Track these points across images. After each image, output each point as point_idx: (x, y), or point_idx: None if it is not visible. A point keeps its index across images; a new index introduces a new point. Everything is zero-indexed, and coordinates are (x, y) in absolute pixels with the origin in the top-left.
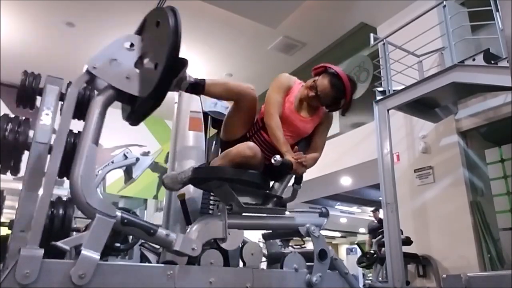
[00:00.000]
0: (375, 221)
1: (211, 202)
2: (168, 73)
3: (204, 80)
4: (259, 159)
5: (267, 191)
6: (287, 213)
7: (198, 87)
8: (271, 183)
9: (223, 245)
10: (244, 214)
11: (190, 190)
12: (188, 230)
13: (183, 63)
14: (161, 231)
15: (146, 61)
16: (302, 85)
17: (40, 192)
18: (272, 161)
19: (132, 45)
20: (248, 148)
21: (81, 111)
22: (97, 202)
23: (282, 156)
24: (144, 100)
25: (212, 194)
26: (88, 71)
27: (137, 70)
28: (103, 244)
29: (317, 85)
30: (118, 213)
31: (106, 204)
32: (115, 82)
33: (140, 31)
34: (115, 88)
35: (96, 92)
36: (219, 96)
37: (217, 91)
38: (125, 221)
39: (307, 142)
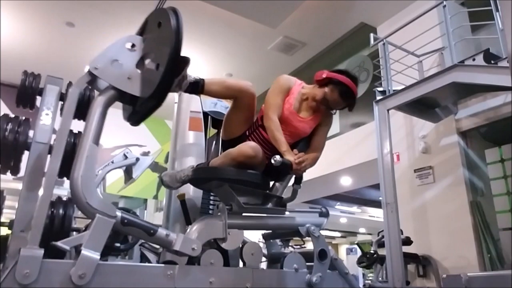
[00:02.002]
0: None
1: (211, 202)
2: (169, 74)
3: (203, 79)
4: (261, 159)
5: (267, 191)
6: (287, 213)
7: (197, 86)
8: (271, 183)
9: (223, 245)
10: (244, 214)
11: (190, 191)
12: (188, 230)
13: (185, 61)
14: (161, 231)
15: (147, 61)
16: (302, 86)
17: (40, 192)
18: (272, 161)
19: (133, 45)
20: (250, 148)
21: (81, 111)
22: (97, 202)
23: (282, 156)
24: (145, 100)
25: (212, 194)
26: (89, 72)
27: (139, 71)
28: (103, 244)
29: (328, 99)
30: (118, 213)
31: (106, 204)
32: (116, 83)
33: (141, 32)
34: (116, 89)
35: (96, 92)
36: (218, 95)
37: (216, 89)
38: (125, 221)
39: (307, 142)
